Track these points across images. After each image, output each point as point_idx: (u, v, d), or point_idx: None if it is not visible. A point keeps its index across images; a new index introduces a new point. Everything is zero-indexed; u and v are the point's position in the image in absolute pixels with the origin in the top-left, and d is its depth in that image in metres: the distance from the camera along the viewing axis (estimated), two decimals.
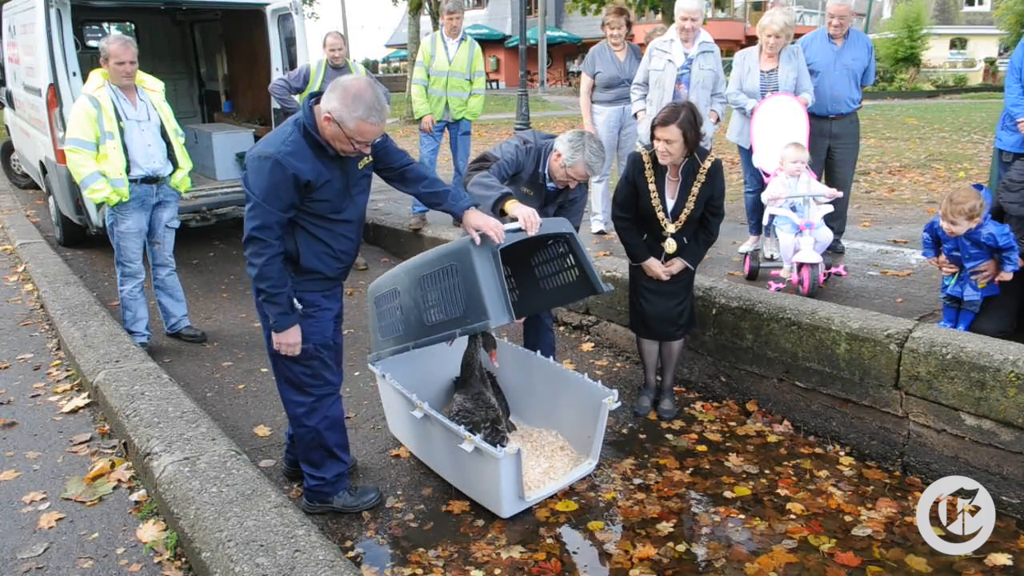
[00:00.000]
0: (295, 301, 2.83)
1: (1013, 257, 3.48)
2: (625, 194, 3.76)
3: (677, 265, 3.78)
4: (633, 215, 3.78)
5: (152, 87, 4.71)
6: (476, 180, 3.38)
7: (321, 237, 2.83)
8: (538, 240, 3.20)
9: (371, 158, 2.90)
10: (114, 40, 4.44)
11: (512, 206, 3.13)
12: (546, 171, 3.64)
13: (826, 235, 4.43)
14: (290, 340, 2.82)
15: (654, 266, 3.77)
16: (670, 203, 3.69)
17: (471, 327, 2.85)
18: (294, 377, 2.97)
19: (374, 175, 3.02)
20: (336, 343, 3.10)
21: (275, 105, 6.66)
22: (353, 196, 2.87)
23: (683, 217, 3.68)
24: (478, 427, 3.31)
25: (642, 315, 3.94)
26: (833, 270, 4.43)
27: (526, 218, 3.01)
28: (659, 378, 4.15)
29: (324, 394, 3.01)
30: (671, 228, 3.71)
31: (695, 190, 3.63)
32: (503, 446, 3.10)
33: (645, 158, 3.68)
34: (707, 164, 3.62)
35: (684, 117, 3.44)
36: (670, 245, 3.73)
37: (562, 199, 3.75)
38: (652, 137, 3.56)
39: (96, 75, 4.48)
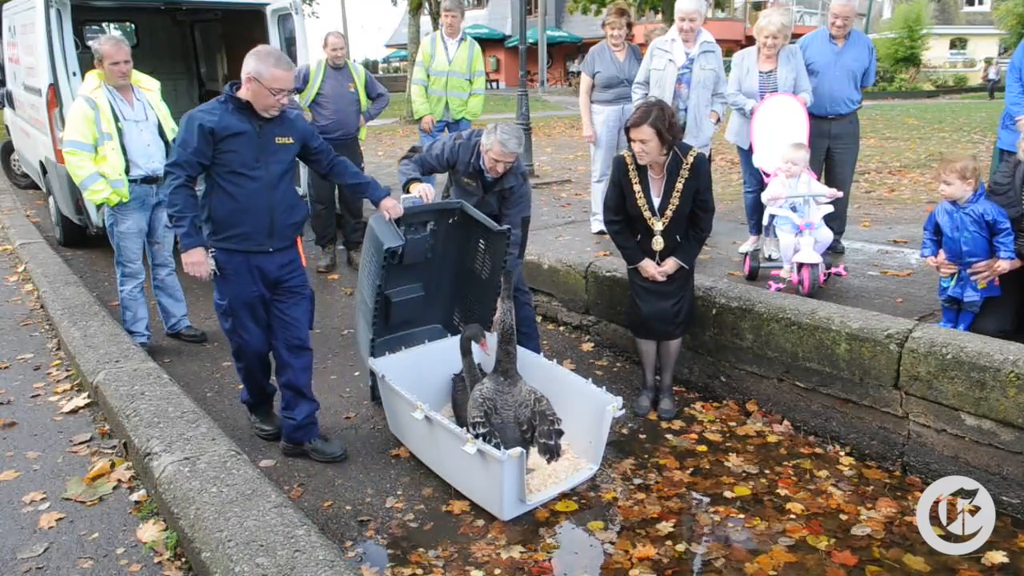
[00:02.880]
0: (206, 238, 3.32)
1: (1008, 242, 3.48)
2: (614, 197, 3.84)
3: (671, 265, 3.82)
4: (624, 218, 3.86)
5: (148, 86, 4.71)
6: (400, 168, 4.02)
7: (232, 193, 3.26)
8: (468, 226, 3.97)
9: (291, 140, 3.37)
10: (106, 41, 4.44)
11: (413, 185, 3.84)
12: (481, 163, 3.91)
13: (826, 235, 4.42)
14: (193, 259, 3.28)
15: (648, 267, 3.84)
16: (656, 201, 3.75)
17: (381, 264, 3.61)
18: (224, 326, 3.55)
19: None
20: (282, 313, 3.50)
21: None
22: (267, 162, 3.30)
23: (669, 213, 3.73)
24: (505, 429, 3.23)
25: (640, 316, 3.97)
26: (833, 270, 4.42)
27: (420, 190, 3.79)
28: (658, 378, 4.16)
29: (243, 346, 3.52)
30: (658, 225, 3.77)
31: (679, 185, 3.68)
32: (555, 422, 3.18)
33: (628, 159, 3.74)
34: (690, 159, 3.68)
35: (655, 116, 3.49)
36: (657, 242, 3.80)
37: (499, 188, 3.99)
38: (628, 140, 3.63)
39: (92, 76, 4.48)
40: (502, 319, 3.32)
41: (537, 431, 3.23)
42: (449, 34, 6.62)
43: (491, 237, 3.88)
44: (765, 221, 4.71)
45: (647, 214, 3.75)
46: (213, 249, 3.32)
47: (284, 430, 3.60)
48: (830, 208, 4.54)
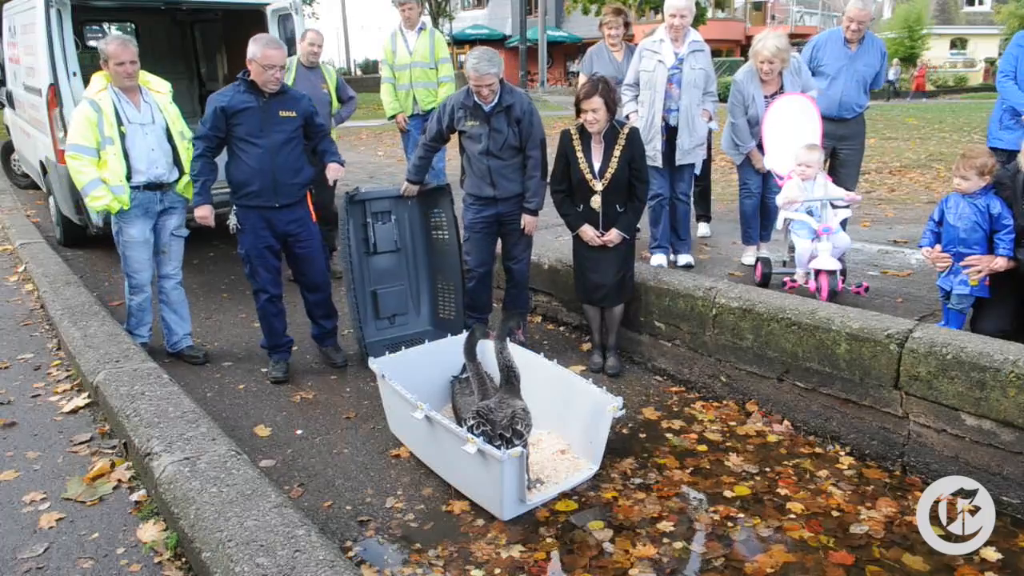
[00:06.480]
0: (233, 216, 4.25)
1: (1008, 240, 3.48)
2: (560, 167, 4.31)
3: (613, 235, 4.24)
4: (567, 187, 4.33)
5: (158, 88, 4.54)
6: (414, 155, 4.76)
7: (243, 158, 4.10)
8: (425, 203, 4.84)
9: (295, 114, 4.16)
10: (112, 40, 4.31)
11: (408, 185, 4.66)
12: (475, 97, 4.28)
13: (844, 240, 4.32)
14: (200, 213, 4.21)
15: (588, 231, 4.28)
16: (596, 165, 4.21)
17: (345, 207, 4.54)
18: (245, 271, 4.38)
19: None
20: (298, 266, 4.47)
21: None
22: (270, 132, 4.09)
23: (608, 175, 4.18)
24: (496, 426, 3.18)
25: (584, 284, 4.46)
26: (853, 289, 4.25)
27: (404, 188, 4.63)
28: (602, 355, 4.62)
29: (258, 288, 4.35)
30: (598, 186, 4.20)
31: (617, 153, 4.18)
32: (518, 442, 3.11)
33: (573, 131, 4.27)
34: (626, 130, 4.20)
35: (602, 88, 4.05)
36: (595, 201, 4.22)
37: (500, 109, 4.26)
38: (578, 112, 4.15)
39: (98, 78, 4.35)
40: (499, 358, 3.36)
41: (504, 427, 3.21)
42: (407, 27, 6.56)
43: (435, 195, 4.74)
44: (779, 225, 4.60)
45: (588, 176, 4.21)
46: (236, 208, 4.19)
47: (311, 333, 4.70)
48: (848, 213, 4.45)
